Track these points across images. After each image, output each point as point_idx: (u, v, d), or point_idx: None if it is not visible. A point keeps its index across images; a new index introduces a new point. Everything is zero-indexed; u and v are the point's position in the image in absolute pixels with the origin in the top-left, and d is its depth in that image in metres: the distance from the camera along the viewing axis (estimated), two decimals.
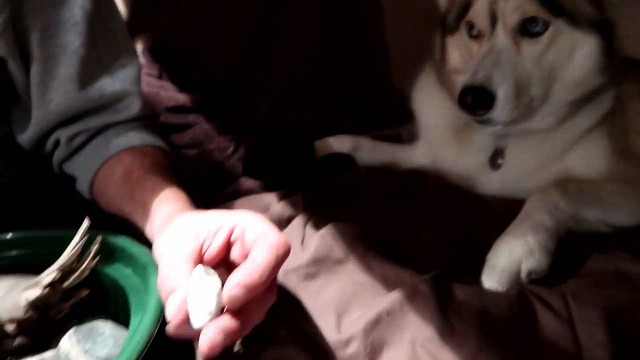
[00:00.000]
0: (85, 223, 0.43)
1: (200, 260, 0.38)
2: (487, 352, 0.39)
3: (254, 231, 0.38)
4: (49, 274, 0.42)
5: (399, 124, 0.85)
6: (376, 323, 0.42)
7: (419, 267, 0.50)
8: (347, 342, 0.40)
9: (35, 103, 0.52)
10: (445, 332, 0.41)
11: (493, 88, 0.57)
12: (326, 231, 0.53)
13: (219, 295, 0.35)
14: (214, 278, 0.35)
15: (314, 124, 0.84)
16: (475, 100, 0.57)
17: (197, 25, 0.88)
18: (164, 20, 0.89)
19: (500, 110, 0.58)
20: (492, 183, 0.66)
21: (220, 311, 0.35)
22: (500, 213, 0.60)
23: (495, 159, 0.66)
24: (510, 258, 0.50)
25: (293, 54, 0.90)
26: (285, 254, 0.37)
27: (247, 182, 0.71)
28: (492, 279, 0.49)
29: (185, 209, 0.46)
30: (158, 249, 0.43)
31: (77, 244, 0.42)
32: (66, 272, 0.42)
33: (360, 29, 0.92)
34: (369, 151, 0.79)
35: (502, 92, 0.57)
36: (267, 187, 0.70)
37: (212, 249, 0.38)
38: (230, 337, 0.34)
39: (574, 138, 0.63)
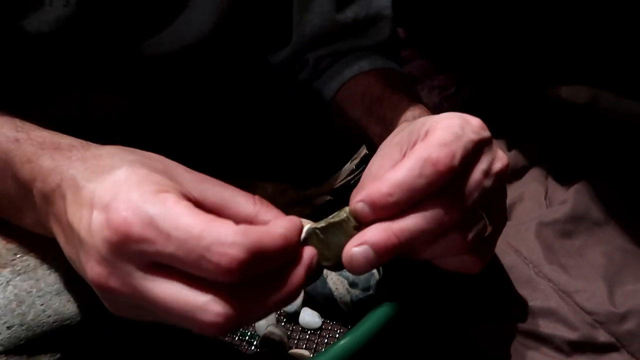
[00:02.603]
0: (363, 151, 0.42)
1: None
2: None
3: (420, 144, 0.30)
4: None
5: None
6: None
7: None
8: (623, 317, 0.35)
9: (294, 24, 0.53)
10: None
11: None
12: (582, 187, 0.47)
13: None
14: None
15: (544, 69, 0.74)
16: None
17: None
18: None
19: None
20: None
21: None
22: None
23: None
24: None
25: None
26: (439, 172, 0.27)
27: None
28: None
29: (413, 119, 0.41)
30: None
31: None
32: None
33: None
34: (610, 106, 0.68)
35: None
36: (491, 133, 0.64)
37: None
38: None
39: None
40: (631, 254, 0.41)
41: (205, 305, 0.23)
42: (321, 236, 0.28)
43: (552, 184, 0.50)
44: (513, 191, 0.49)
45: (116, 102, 0.51)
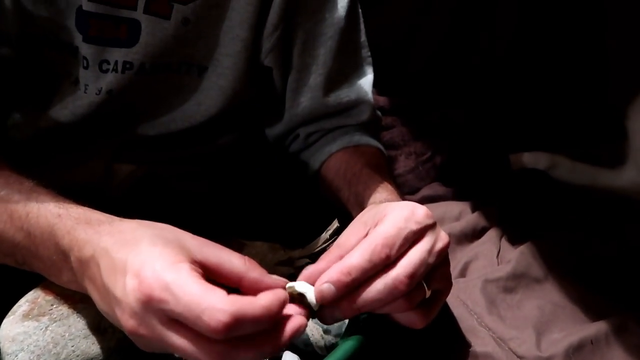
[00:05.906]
0: (335, 224, 0.51)
1: None
2: None
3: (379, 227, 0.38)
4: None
5: (602, 143, 0.80)
6: (579, 348, 0.43)
7: (624, 300, 0.49)
8: None
9: (287, 106, 0.62)
10: None
11: None
12: (526, 248, 0.55)
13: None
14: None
15: (509, 135, 0.83)
16: None
17: (398, 30, 0.91)
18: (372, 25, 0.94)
19: None
20: None
21: None
22: None
23: None
24: None
25: (489, 59, 0.88)
26: (381, 259, 0.36)
27: (439, 188, 0.74)
28: None
29: (384, 201, 0.48)
30: None
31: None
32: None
33: (574, 29, 0.85)
34: (568, 171, 0.76)
35: None
36: (458, 195, 0.72)
37: None
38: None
39: None
40: (560, 307, 0.48)
41: (203, 354, 0.32)
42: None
43: (504, 244, 0.58)
44: (470, 250, 0.57)
45: (135, 170, 0.60)
